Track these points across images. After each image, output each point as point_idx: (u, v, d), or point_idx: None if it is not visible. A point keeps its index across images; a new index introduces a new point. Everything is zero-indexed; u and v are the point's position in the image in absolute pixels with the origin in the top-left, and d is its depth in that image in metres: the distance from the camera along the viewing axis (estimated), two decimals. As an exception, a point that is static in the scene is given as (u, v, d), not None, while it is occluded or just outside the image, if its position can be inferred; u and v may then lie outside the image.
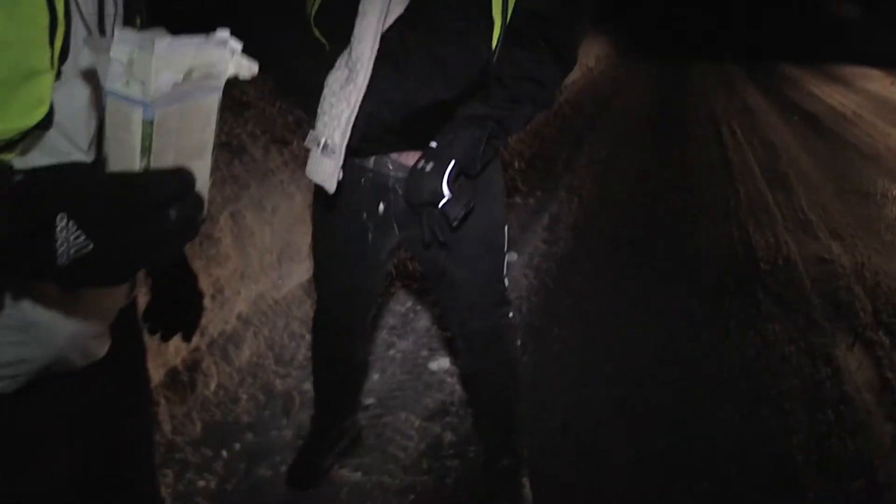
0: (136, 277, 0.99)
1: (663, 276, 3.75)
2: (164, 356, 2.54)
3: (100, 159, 0.69)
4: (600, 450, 2.37)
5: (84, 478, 1.03)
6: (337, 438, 2.23)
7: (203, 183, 0.72)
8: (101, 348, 0.95)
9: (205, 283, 2.82)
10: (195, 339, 2.65)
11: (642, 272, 3.80)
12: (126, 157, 0.64)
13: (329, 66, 1.49)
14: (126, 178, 0.63)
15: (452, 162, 1.46)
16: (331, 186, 1.48)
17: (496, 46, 1.51)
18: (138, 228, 0.58)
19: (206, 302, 2.82)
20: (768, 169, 5.99)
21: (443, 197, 1.45)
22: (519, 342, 2.11)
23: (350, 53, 1.41)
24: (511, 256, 4.03)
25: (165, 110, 0.64)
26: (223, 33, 0.68)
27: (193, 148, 0.70)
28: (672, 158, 6.37)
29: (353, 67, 1.40)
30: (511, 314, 1.89)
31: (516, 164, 5.76)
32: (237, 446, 2.35)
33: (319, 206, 1.79)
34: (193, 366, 2.61)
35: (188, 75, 0.64)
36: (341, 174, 1.47)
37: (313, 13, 1.52)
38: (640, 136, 7.26)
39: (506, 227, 1.79)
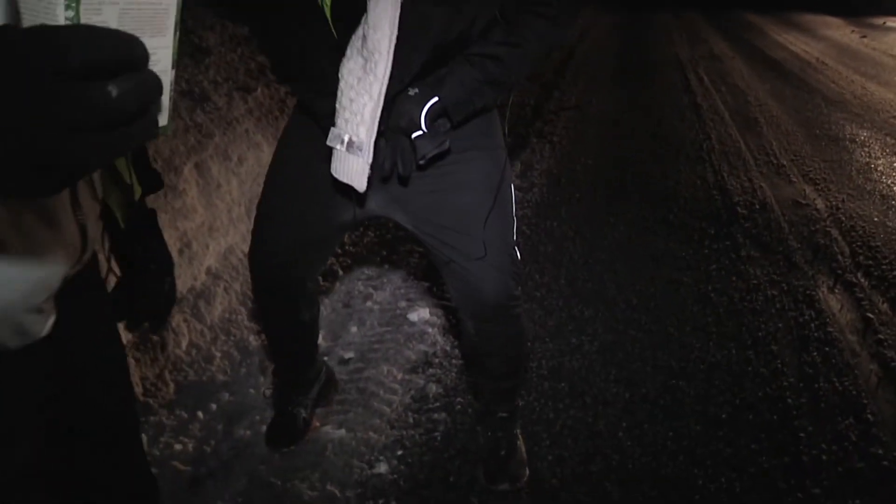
0: (88, 237, 0.82)
1: (642, 221, 3.69)
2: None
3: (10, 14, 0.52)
4: (591, 394, 2.32)
5: (50, 460, 0.90)
6: (305, 388, 2.12)
7: (163, 70, 0.56)
8: (39, 325, 0.77)
9: (171, 237, 2.68)
10: (163, 296, 2.52)
11: (620, 217, 3.74)
12: (43, 6, 0.47)
13: (338, 52, 1.32)
14: (42, 34, 0.43)
15: (435, 98, 1.36)
16: (361, 185, 1.33)
17: None
18: (60, 107, 0.41)
19: (174, 257, 2.68)
20: (738, 114, 5.96)
21: (418, 129, 1.35)
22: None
23: (365, 42, 1.24)
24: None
25: None
26: None
27: (145, 17, 0.53)
28: (641, 104, 6.29)
29: (370, 57, 1.24)
30: (519, 287, 1.73)
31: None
32: (213, 407, 2.24)
33: (293, 132, 1.63)
34: (163, 324, 2.47)
35: None
36: (370, 171, 1.32)
37: (329, 1, 1.30)
38: (608, 83, 7.15)
39: (512, 188, 1.63)
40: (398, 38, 1.25)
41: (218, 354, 2.47)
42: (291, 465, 2.03)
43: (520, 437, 2.02)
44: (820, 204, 3.94)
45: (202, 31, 3.88)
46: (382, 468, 2.02)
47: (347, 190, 1.38)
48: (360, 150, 1.30)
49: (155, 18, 0.55)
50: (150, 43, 0.49)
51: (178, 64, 0.59)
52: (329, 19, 1.32)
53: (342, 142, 1.31)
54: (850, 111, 6.21)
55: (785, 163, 4.66)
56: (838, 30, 12.49)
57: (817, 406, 2.27)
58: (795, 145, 5.09)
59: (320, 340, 2.58)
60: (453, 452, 2.08)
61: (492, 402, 1.99)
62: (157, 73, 0.49)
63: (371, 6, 1.22)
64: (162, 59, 0.56)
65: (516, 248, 1.64)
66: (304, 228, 1.63)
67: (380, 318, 2.74)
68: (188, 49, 3.69)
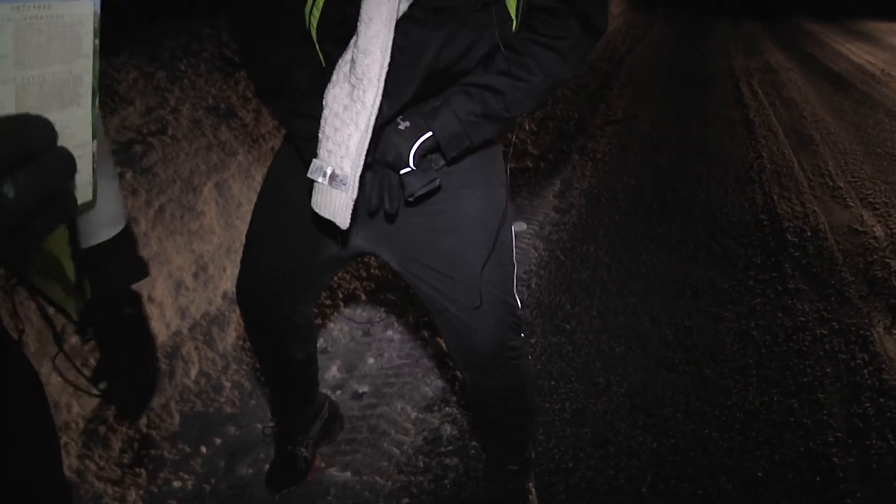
0: None
1: (683, 247, 3.50)
2: (139, 341, 2.34)
3: None
4: (615, 443, 2.16)
5: None
6: (304, 427, 2.01)
7: (81, 143, 0.50)
8: None
9: (187, 260, 2.62)
10: (175, 322, 2.46)
11: (660, 243, 3.55)
12: None
13: (323, 76, 1.21)
14: None
15: (428, 134, 1.24)
16: (344, 222, 1.22)
17: (518, 13, 1.25)
18: None
19: (189, 281, 2.62)
20: (792, 131, 5.67)
21: (405, 166, 1.24)
22: (530, 355, 1.79)
23: (353, 67, 1.13)
24: (520, 226, 3.80)
25: None
26: None
27: (51, 90, 0.47)
28: (690, 119, 6.06)
29: (359, 84, 1.13)
30: (523, 335, 1.60)
31: (527, 125, 5.49)
32: (218, 441, 2.16)
33: (283, 160, 1.51)
34: (173, 352, 2.40)
35: None
36: (352, 205, 1.21)
37: (315, 23, 1.21)
38: (657, 96, 6.92)
39: (512, 231, 1.51)
40: (389, 64, 1.13)
41: (228, 384, 2.39)
42: (291, 509, 1.93)
43: (532, 490, 1.88)
44: (879, 231, 3.68)
45: (234, 45, 3.84)
46: (386, 518, 1.90)
47: (331, 225, 1.27)
48: (344, 184, 1.18)
49: (64, 89, 0.48)
50: (59, 117, 0.44)
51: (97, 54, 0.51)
52: (315, 40, 1.22)
53: (324, 175, 1.20)
54: (915, 128, 5.86)
55: (841, 185, 4.40)
56: (906, 39, 11.95)
57: (868, 467, 2.06)
58: (854, 165, 4.80)
59: (334, 372, 2.50)
60: (462, 503, 1.95)
61: (501, 454, 1.85)
62: (72, 149, 0.43)
63: (362, 29, 1.11)
64: (77, 131, 0.49)
65: (516, 295, 1.51)
66: (288, 263, 1.53)
67: (399, 350, 2.63)
68: (218, 63, 3.66)
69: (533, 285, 3.15)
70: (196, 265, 2.65)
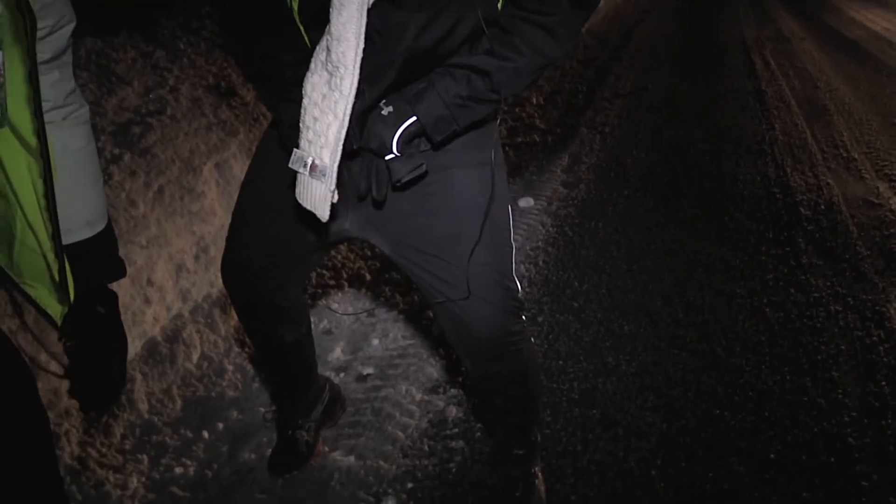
0: None
1: (694, 222, 3.43)
2: (140, 326, 2.32)
3: None
4: (625, 424, 2.11)
5: None
6: (305, 411, 1.98)
7: None
8: None
9: (188, 242, 2.58)
10: (176, 306, 2.43)
11: (671, 218, 3.48)
12: None
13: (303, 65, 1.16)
14: None
15: (412, 119, 1.18)
16: (324, 214, 1.17)
17: None
18: None
19: (190, 263, 2.58)
20: (806, 102, 5.55)
21: (389, 152, 1.19)
22: (533, 339, 1.72)
23: (329, 54, 1.08)
24: (527, 202, 3.74)
25: None
26: None
27: None
28: (701, 91, 5.94)
29: (335, 72, 1.08)
30: (524, 318, 1.54)
31: (534, 99, 5.41)
32: (220, 426, 2.14)
33: (271, 139, 1.44)
34: (174, 335, 2.38)
35: None
36: (336, 196, 1.16)
37: (296, 7, 1.15)
38: (667, 68, 6.79)
39: (509, 210, 1.45)
40: (367, 48, 1.07)
41: (230, 368, 2.36)
42: (293, 494, 1.90)
43: (539, 475, 1.84)
44: (895, 204, 3.59)
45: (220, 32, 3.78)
46: (390, 502, 1.87)
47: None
48: (324, 174, 1.13)
49: None
50: None
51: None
52: (299, 23, 1.16)
53: (305, 165, 1.15)
54: (933, 97, 5.72)
55: (856, 156, 4.29)
56: (923, 5, 11.67)
57: (884, 448, 2.00)
58: (869, 136, 4.69)
59: (338, 354, 2.47)
60: (468, 487, 1.91)
61: (505, 439, 1.82)
62: None
63: (334, 15, 1.05)
64: None
65: (516, 278, 1.46)
66: (274, 244, 1.49)
67: (404, 330, 2.59)
68: (219, 41, 3.59)
69: (540, 262, 3.10)
70: (197, 247, 2.61)
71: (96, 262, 1.10)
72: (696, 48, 7.78)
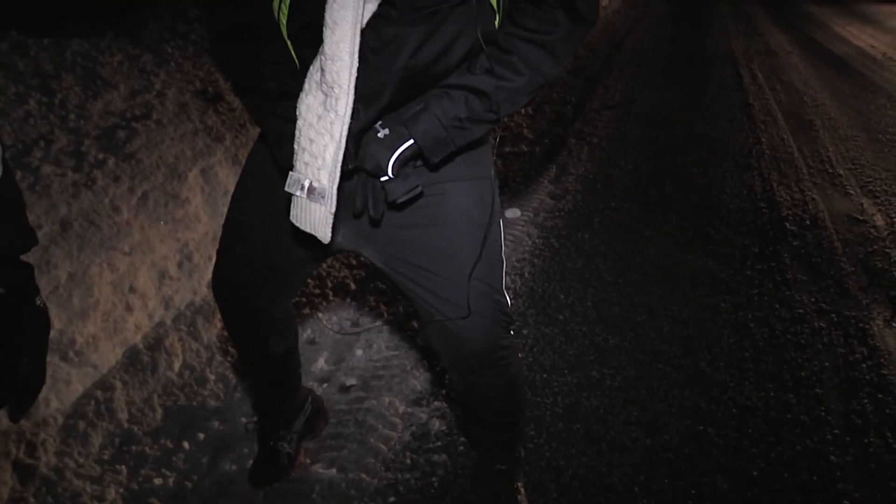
0: None
1: (680, 235, 3.44)
2: (122, 334, 2.29)
3: None
4: (608, 439, 2.11)
5: None
6: (287, 421, 1.96)
7: None
8: None
9: (172, 249, 2.55)
10: (158, 313, 2.40)
11: (657, 230, 3.49)
12: None
13: (296, 79, 1.15)
14: None
15: (409, 142, 1.16)
16: (325, 236, 1.17)
17: (501, 6, 1.17)
18: None
19: (173, 270, 2.55)
20: (792, 116, 5.59)
21: (384, 174, 1.17)
22: (520, 354, 1.69)
23: (323, 74, 1.06)
24: (513, 213, 3.73)
25: None
26: None
27: None
28: (689, 103, 5.97)
29: (330, 92, 1.07)
30: (513, 331, 1.54)
31: (523, 109, 5.40)
32: (201, 436, 2.11)
33: (262, 150, 1.43)
34: (156, 343, 2.35)
35: None
36: (332, 218, 1.15)
37: (284, 20, 1.12)
38: (656, 79, 6.83)
39: (501, 225, 1.43)
40: (361, 67, 1.06)
41: (212, 377, 2.33)
42: (274, 508, 1.88)
43: (521, 490, 1.83)
44: (879, 220, 3.62)
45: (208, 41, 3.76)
46: (372, 517, 1.86)
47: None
48: (323, 196, 1.12)
49: None
50: None
51: None
52: (286, 37, 1.14)
53: (302, 188, 1.13)
54: (917, 113, 5.78)
55: (841, 172, 4.33)
56: (908, 22, 11.80)
57: (866, 466, 2.01)
58: (854, 151, 4.73)
59: (322, 364, 2.45)
60: (450, 501, 1.90)
61: (489, 453, 1.80)
62: None
63: (327, 34, 1.04)
64: None
65: (505, 292, 1.45)
66: (265, 257, 1.47)
67: (388, 341, 2.57)
68: (206, 45, 3.57)
69: (526, 274, 3.09)
70: (181, 254, 2.58)
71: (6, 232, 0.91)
72: (685, 60, 7.82)
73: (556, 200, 3.90)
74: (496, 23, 1.18)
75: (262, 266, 1.48)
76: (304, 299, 2.78)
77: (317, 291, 2.84)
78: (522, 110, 5.41)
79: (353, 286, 2.88)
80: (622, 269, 3.12)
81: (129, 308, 2.31)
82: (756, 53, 8.25)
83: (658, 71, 7.22)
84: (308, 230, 1.17)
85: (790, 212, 3.72)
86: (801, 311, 2.78)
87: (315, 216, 1.15)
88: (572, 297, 2.90)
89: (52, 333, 2.14)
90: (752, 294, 2.90)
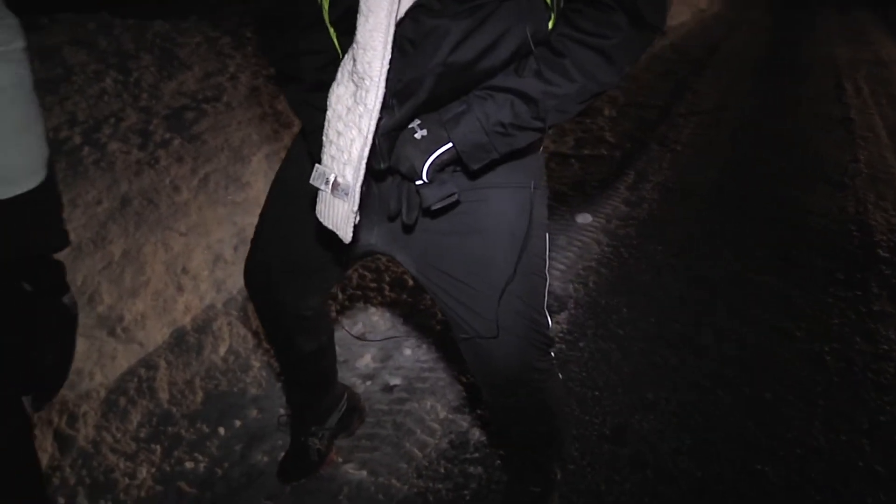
0: None
1: (757, 253, 3.23)
2: (171, 314, 2.30)
3: None
4: (655, 467, 1.98)
5: None
6: (321, 418, 1.91)
7: None
8: None
9: (228, 232, 2.56)
10: (210, 296, 2.41)
11: (733, 246, 3.30)
12: None
13: (325, 70, 1.10)
14: None
15: (447, 145, 1.08)
16: (346, 235, 1.11)
17: (555, 4, 1.08)
18: None
19: (228, 254, 2.56)
20: (898, 133, 5.22)
21: (419, 178, 1.10)
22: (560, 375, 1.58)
23: (355, 64, 1.00)
24: (584, 218, 3.60)
25: None
26: None
27: None
28: (783, 113, 5.66)
29: (361, 83, 1.00)
30: (553, 353, 1.43)
31: (606, 111, 5.25)
32: (237, 423, 2.10)
33: (301, 145, 1.38)
34: (204, 326, 2.36)
35: None
36: (358, 218, 1.09)
37: (326, 6, 1.08)
38: (750, 86, 6.51)
39: (546, 238, 1.34)
40: (397, 60, 0.99)
41: (256, 364, 2.32)
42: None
43: (556, 515, 1.73)
44: (984, 252, 3.31)
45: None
46: (397, 525, 1.80)
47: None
48: (346, 193, 1.06)
49: None
50: None
51: None
52: (328, 24, 1.08)
53: (327, 182, 1.07)
54: None
55: (947, 197, 4.00)
56: None
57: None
58: (964, 176, 4.37)
59: (368, 360, 2.41)
60: (480, 519, 1.82)
61: (521, 473, 1.71)
62: None
63: (361, 21, 0.97)
64: None
65: (547, 312, 1.35)
66: (296, 253, 1.42)
67: (437, 341, 2.51)
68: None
69: (590, 283, 2.97)
70: (237, 238, 2.59)
71: (18, 227, 0.92)
72: (783, 67, 7.44)
73: (631, 208, 3.75)
74: (550, 23, 1.09)
75: (289, 261, 1.43)
76: (358, 292, 2.75)
77: (373, 285, 2.80)
78: (605, 112, 5.25)
79: (410, 282, 2.82)
80: (691, 285, 2.96)
81: (180, 289, 2.32)
82: (863, 63, 7.77)
83: (752, 78, 6.89)
84: (330, 227, 1.12)
85: (884, 237, 3.45)
86: (885, 347, 2.55)
87: (338, 213, 1.09)
88: (635, 312, 2.76)
89: (101, 309, 2.17)
90: (832, 323, 2.69)
